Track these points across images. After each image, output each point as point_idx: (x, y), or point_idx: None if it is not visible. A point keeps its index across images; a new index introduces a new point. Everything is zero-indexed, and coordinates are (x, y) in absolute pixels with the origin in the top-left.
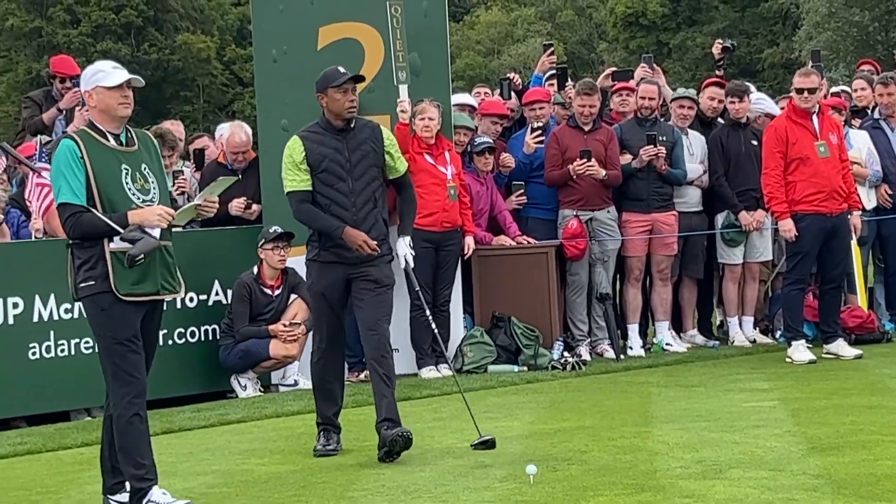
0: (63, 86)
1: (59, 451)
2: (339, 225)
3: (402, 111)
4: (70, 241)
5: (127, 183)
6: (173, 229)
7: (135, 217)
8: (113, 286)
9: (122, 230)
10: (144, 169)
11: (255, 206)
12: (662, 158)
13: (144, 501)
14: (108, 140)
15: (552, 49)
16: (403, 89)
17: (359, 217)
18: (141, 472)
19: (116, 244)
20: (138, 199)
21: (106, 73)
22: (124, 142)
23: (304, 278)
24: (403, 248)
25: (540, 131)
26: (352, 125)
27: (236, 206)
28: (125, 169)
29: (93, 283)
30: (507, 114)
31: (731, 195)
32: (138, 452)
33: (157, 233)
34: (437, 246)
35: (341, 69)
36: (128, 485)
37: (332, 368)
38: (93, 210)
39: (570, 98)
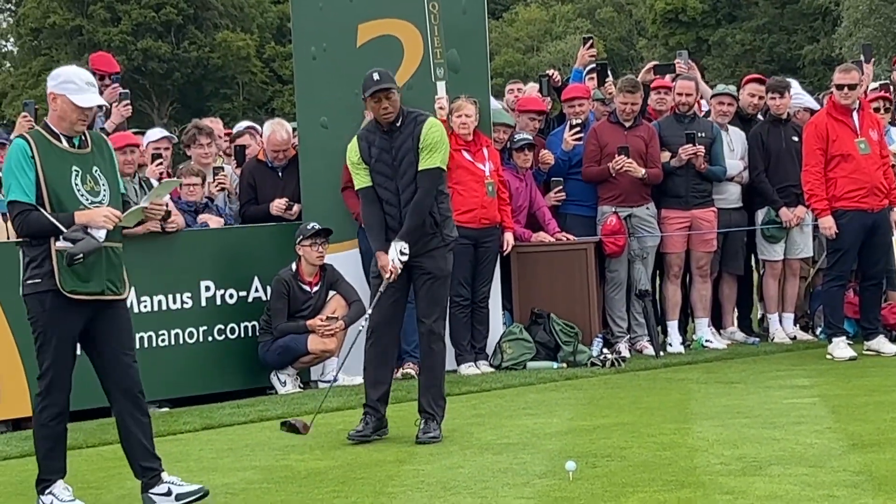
0: (102, 83)
1: (101, 447)
2: (379, 247)
3: (440, 108)
4: (19, 239)
5: (76, 184)
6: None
7: (81, 217)
8: (58, 283)
9: (65, 229)
10: (96, 171)
11: (295, 207)
12: (702, 157)
13: (46, 492)
14: (61, 142)
15: (591, 42)
16: (441, 86)
17: (403, 216)
18: (50, 463)
19: (61, 243)
20: (87, 200)
21: (77, 88)
22: (77, 144)
23: (342, 275)
24: (392, 252)
25: (579, 128)
26: (398, 124)
27: (277, 206)
28: (76, 170)
29: (38, 280)
30: (545, 110)
31: (772, 191)
32: (52, 454)
33: (101, 234)
34: (475, 242)
35: (375, 76)
36: (164, 475)
37: (380, 352)
38: (40, 209)
39: (610, 94)
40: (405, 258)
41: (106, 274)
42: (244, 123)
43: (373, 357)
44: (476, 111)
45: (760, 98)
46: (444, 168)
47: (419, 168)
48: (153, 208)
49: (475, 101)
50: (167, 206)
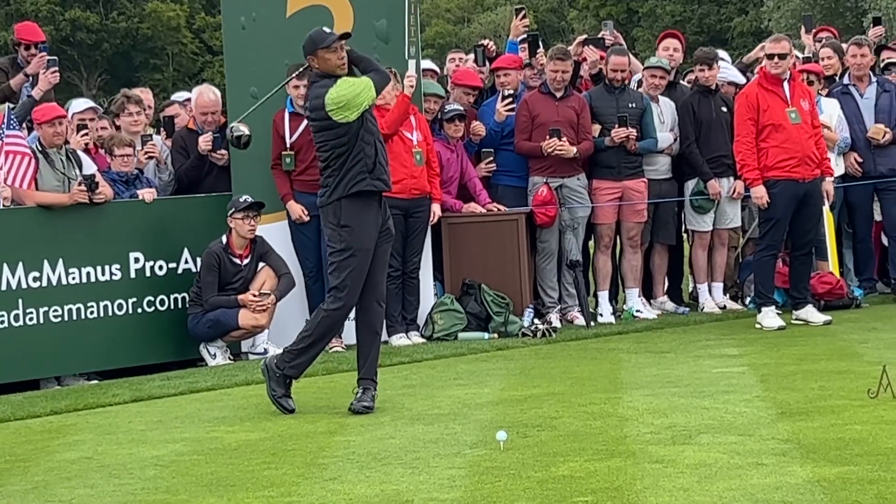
0: (28, 53)
1: (28, 420)
2: None
3: (410, 85)
4: None
5: None
6: None
7: None
8: None
9: None
10: None
11: (223, 151)
12: (633, 140)
13: None
14: None
15: (524, 13)
16: (412, 64)
17: (380, 156)
18: None
19: None
20: None
21: None
22: None
23: (272, 247)
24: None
25: (511, 99)
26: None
27: (204, 140)
28: None
29: None
30: (480, 85)
31: (702, 162)
32: None
33: None
34: (405, 213)
35: (326, 29)
36: None
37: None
38: None
39: (541, 65)
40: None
41: None
42: (183, 94)
43: (362, 327)
44: (394, 80)
45: (675, 50)
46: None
47: None
48: None
49: (395, 72)
50: (95, 176)
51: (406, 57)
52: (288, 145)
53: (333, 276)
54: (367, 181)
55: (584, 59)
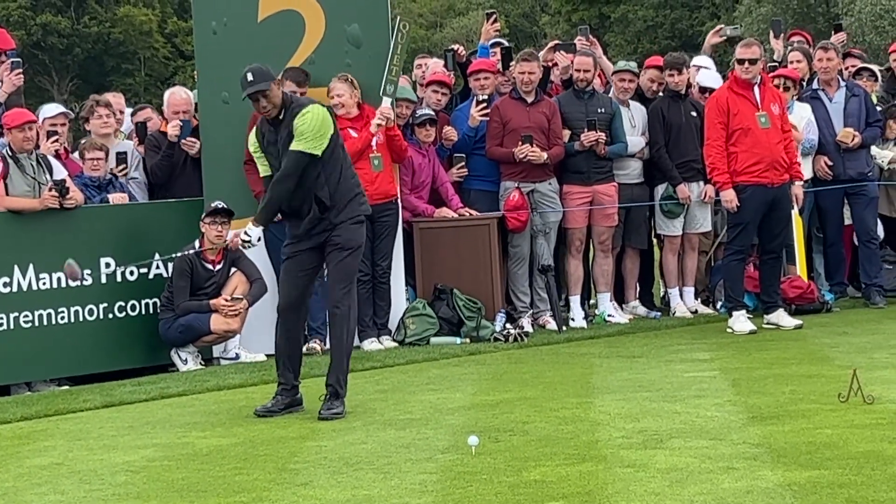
0: None
1: None
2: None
3: (378, 123)
4: None
5: None
6: None
7: None
8: None
9: None
10: None
11: (192, 139)
12: (602, 144)
13: None
14: None
15: (495, 17)
16: (386, 101)
17: (293, 204)
18: None
19: None
20: None
21: None
22: None
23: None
24: (242, 231)
25: (485, 104)
26: (280, 117)
27: (173, 125)
28: None
29: None
30: (450, 83)
31: (671, 167)
32: None
33: None
34: (370, 219)
35: (249, 76)
36: None
37: (290, 328)
38: None
39: (514, 77)
40: (247, 239)
41: None
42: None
43: (283, 333)
44: (352, 88)
45: (660, 84)
46: (314, 153)
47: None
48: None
49: (348, 77)
50: (66, 181)
51: (381, 93)
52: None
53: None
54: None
55: (555, 65)
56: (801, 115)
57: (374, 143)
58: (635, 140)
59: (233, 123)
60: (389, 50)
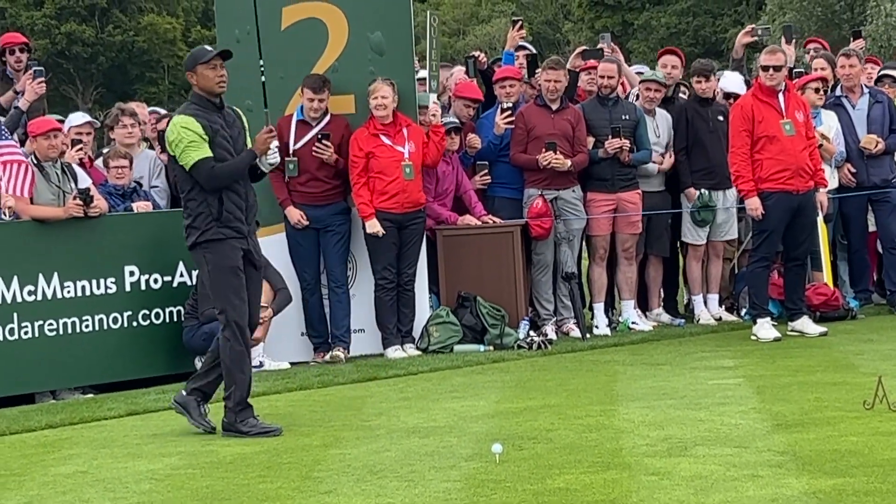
0: (14, 58)
1: (24, 434)
2: (248, 150)
3: (433, 115)
4: None
5: None
6: None
7: None
8: None
9: None
10: None
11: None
12: (626, 151)
13: None
14: None
15: (521, 24)
16: (433, 97)
17: (246, 190)
18: None
19: None
20: None
21: None
22: None
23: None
24: None
25: (510, 111)
26: (222, 104)
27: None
28: None
29: None
30: (481, 98)
31: (687, 171)
32: None
33: None
34: (399, 226)
35: (208, 48)
36: None
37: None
38: None
39: (540, 84)
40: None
41: None
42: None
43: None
44: (393, 92)
45: (674, 67)
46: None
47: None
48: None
49: (392, 82)
50: (90, 190)
51: (427, 90)
52: (291, 152)
53: None
54: (213, 230)
55: (583, 70)
56: (830, 125)
57: (406, 151)
58: (651, 167)
59: (256, 131)
60: (428, 48)
